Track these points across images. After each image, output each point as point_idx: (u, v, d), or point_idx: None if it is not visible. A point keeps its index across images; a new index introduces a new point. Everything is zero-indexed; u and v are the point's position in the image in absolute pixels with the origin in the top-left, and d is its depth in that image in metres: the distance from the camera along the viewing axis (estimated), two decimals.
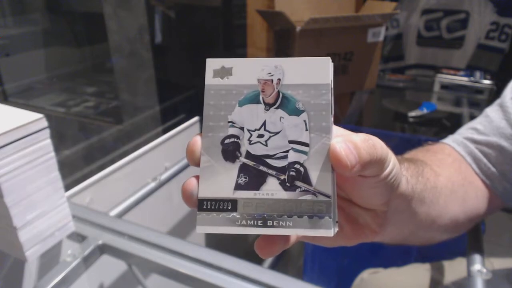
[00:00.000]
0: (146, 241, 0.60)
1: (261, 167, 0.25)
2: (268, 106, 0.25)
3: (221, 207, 0.24)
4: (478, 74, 1.36)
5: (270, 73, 0.25)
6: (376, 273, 0.76)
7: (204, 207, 0.25)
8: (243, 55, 1.48)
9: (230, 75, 0.26)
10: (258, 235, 0.25)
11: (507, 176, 0.51)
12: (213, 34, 1.60)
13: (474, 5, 1.54)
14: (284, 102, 0.25)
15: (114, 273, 0.79)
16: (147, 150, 0.93)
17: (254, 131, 0.25)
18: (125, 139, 1.22)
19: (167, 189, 0.92)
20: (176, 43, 1.61)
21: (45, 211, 0.56)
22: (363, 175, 0.26)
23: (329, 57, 0.25)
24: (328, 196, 0.24)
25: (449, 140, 0.56)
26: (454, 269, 0.68)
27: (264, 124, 0.25)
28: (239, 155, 0.25)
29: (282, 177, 0.25)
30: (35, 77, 1.28)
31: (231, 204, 0.24)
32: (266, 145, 0.25)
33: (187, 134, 1.06)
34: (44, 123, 0.54)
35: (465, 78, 1.35)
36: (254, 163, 0.25)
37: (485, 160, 0.52)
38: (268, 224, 0.24)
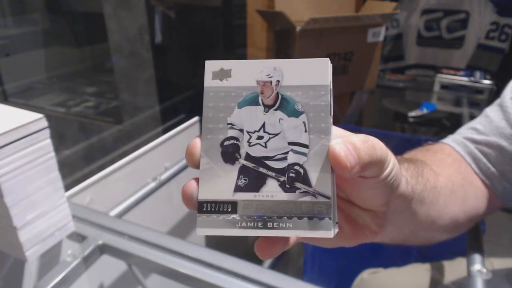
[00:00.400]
0: (146, 241, 0.60)
1: (261, 169, 0.25)
2: (267, 107, 0.25)
3: (221, 209, 0.24)
4: (478, 74, 1.36)
5: (269, 74, 0.25)
6: (376, 273, 0.76)
7: (204, 209, 0.25)
8: (243, 55, 1.48)
9: (229, 77, 0.26)
10: (258, 236, 0.25)
11: (507, 176, 0.51)
12: (213, 34, 1.60)
13: (474, 5, 1.54)
14: (283, 104, 0.25)
15: (114, 273, 0.79)
16: (147, 150, 0.93)
17: (253, 132, 0.25)
18: (125, 139, 1.22)
19: (167, 189, 0.92)
20: (176, 43, 1.61)
21: (45, 211, 0.56)
22: (362, 176, 0.26)
23: (328, 58, 0.25)
24: (328, 197, 0.24)
25: (449, 140, 0.56)
26: (454, 269, 0.68)
27: (263, 125, 0.25)
28: (238, 157, 0.25)
29: (281, 179, 0.25)
30: (35, 77, 1.28)
31: (231, 206, 0.24)
32: (265, 146, 0.25)
33: (187, 134, 1.06)
34: (44, 123, 0.54)
35: (465, 78, 1.34)
36: (253, 165, 0.25)
37: (484, 160, 0.52)
38: (268, 226, 0.24)
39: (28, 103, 1.25)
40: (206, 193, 0.25)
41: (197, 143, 0.25)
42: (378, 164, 0.26)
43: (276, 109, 0.25)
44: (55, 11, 1.34)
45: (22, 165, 0.51)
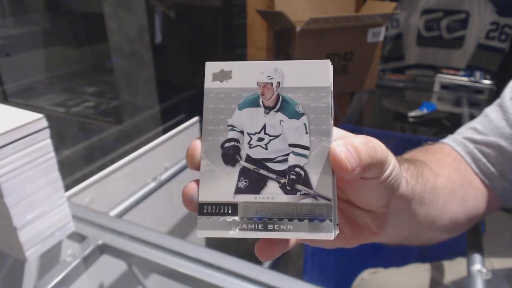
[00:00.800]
0: (146, 241, 0.60)
1: (261, 171, 0.25)
2: (267, 109, 0.25)
3: (221, 211, 0.24)
4: (478, 74, 1.36)
5: (269, 76, 0.25)
6: (376, 273, 0.76)
7: (205, 211, 0.25)
8: (243, 55, 1.48)
9: (229, 78, 0.26)
10: (258, 238, 0.25)
11: (506, 175, 0.51)
12: (213, 34, 1.60)
13: (474, 5, 1.54)
14: (284, 105, 0.25)
15: (114, 273, 0.79)
16: (147, 150, 0.93)
17: (254, 134, 0.25)
18: (125, 139, 1.22)
19: (167, 189, 0.92)
20: (176, 43, 1.61)
21: (45, 211, 0.56)
22: (363, 177, 0.26)
23: (329, 60, 0.25)
24: (329, 199, 0.24)
25: (449, 140, 0.56)
26: (454, 269, 0.68)
27: (264, 127, 0.25)
28: (239, 158, 0.25)
29: (282, 181, 0.25)
30: (35, 77, 1.28)
31: (232, 208, 0.24)
32: (266, 148, 0.25)
33: (187, 134, 1.06)
34: (44, 123, 0.54)
35: (465, 78, 1.34)
36: (254, 167, 0.25)
37: (484, 160, 0.52)
38: (269, 228, 0.24)
39: (28, 103, 1.25)
40: (207, 195, 0.25)
41: (198, 145, 0.25)
42: (379, 165, 0.26)
43: (276, 111, 0.25)
44: (55, 11, 1.34)
45: (22, 165, 0.51)
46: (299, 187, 0.24)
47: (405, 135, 1.20)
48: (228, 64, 0.26)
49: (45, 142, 0.54)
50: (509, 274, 0.60)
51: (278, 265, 1.24)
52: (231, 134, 0.25)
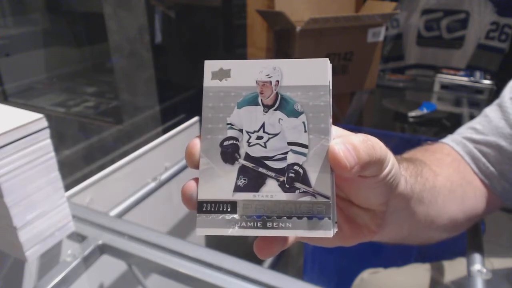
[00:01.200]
0: (146, 241, 0.60)
1: (260, 169, 0.25)
2: (266, 108, 0.25)
3: (220, 209, 0.24)
4: (478, 74, 1.36)
5: (268, 74, 0.25)
6: (376, 273, 0.76)
7: (204, 209, 0.25)
8: (243, 55, 1.48)
9: (228, 77, 0.26)
10: (257, 236, 0.25)
11: (506, 175, 0.51)
12: (213, 34, 1.60)
13: (474, 5, 1.54)
14: (282, 104, 0.25)
15: (114, 273, 0.79)
16: (147, 150, 0.93)
17: (253, 133, 0.25)
18: (125, 139, 1.22)
19: (167, 189, 0.92)
20: (176, 43, 1.61)
21: (45, 211, 0.56)
22: (362, 176, 0.26)
23: (328, 59, 0.25)
24: (328, 197, 0.24)
25: (448, 139, 0.56)
26: (454, 269, 0.68)
27: (263, 126, 0.25)
28: (238, 157, 0.25)
29: (281, 179, 0.25)
30: (35, 77, 1.28)
31: (231, 206, 0.24)
32: (265, 147, 0.25)
33: (187, 134, 1.06)
34: (44, 123, 0.54)
35: (465, 78, 1.34)
36: (253, 165, 0.25)
37: (484, 160, 0.52)
38: (268, 226, 0.24)
39: (28, 103, 1.25)
40: (206, 193, 0.25)
41: (197, 143, 0.25)
42: (378, 163, 0.26)
43: (275, 109, 0.25)
44: (55, 11, 1.34)
45: (22, 165, 0.52)
46: (298, 185, 0.24)
47: (405, 135, 1.20)
48: (227, 62, 0.26)
49: (45, 142, 0.54)
50: (509, 274, 0.60)
51: (278, 265, 1.24)
52: (230, 133, 0.25)
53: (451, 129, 0.59)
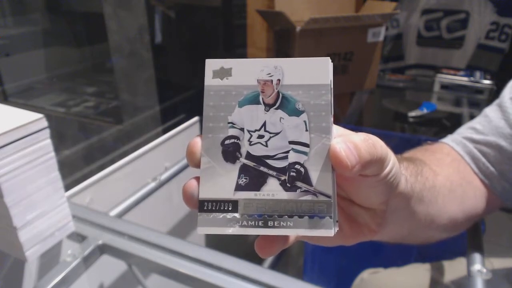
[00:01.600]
0: (146, 241, 0.60)
1: (262, 168, 0.25)
2: (268, 106, 0.25)
3: (221, 208, 0.24)
4: (478, 74, 1.36)
5: (269, 73, 0.25)
6: (376, 273, 0.76)
7: (205, 208, 0.25)
8: (243, 55, 1.48)
9: (229, 75, 0.26)
10: (258, 235, 0.25)
11: (506, 175, 0.51)
12: (213, 34, 1.60)
13: (474, 5, 1.55)
14: (284, 103, 0.25)
15: (114, 273, 0.79)
16: (147, 150, 0.93)
17: (254, 132, 0.25)
18: (125, 139, 1.22)
19: (167, 189, 0.92)
20: (176, 43, 1.61)
21: (45, 211, 0.56)
22: (363, 175, 0.26)
23: (329, 58, 0.25)
24: (329, 196, 0.24)
25: (448, 139, 0.56)
26: (454, 269, 0.68)
27: (264, 124, 0.25)
28: (239, 156, 0.25)
29: (282, 178, 0.25)
30: (35, 77, 1.28)
31: (232, 205, 0.24)
32: (266, 145, 0.25)
33: (187, 134, 1.06)
34: (44, 123, 0.54)
35: (465, 78, 1.34)
36: (254, 164, 0.25)
37: (483, 160, 0.52)
38: (269, 225, 0.24)
39: (28, 103, 1.25)
40: (207, 192, 0.25)
41: (198, 142, 0.25)
42: (379, 162, 0.26)
43: (276, 108, 0.25)
44: (55, 11, 1.34)
45: (22, 165, 0.51)
46: (299, 184, 0.24)
47: (405, 135, 1.20)
48: (228, 61, 0.26)
49: (45, 142, 0.54)
50: (509, 274, 0.60)
51: (278, 265, 1.24)
52: (231, 131, 0.25)
53: (451, 129, 0.59)
